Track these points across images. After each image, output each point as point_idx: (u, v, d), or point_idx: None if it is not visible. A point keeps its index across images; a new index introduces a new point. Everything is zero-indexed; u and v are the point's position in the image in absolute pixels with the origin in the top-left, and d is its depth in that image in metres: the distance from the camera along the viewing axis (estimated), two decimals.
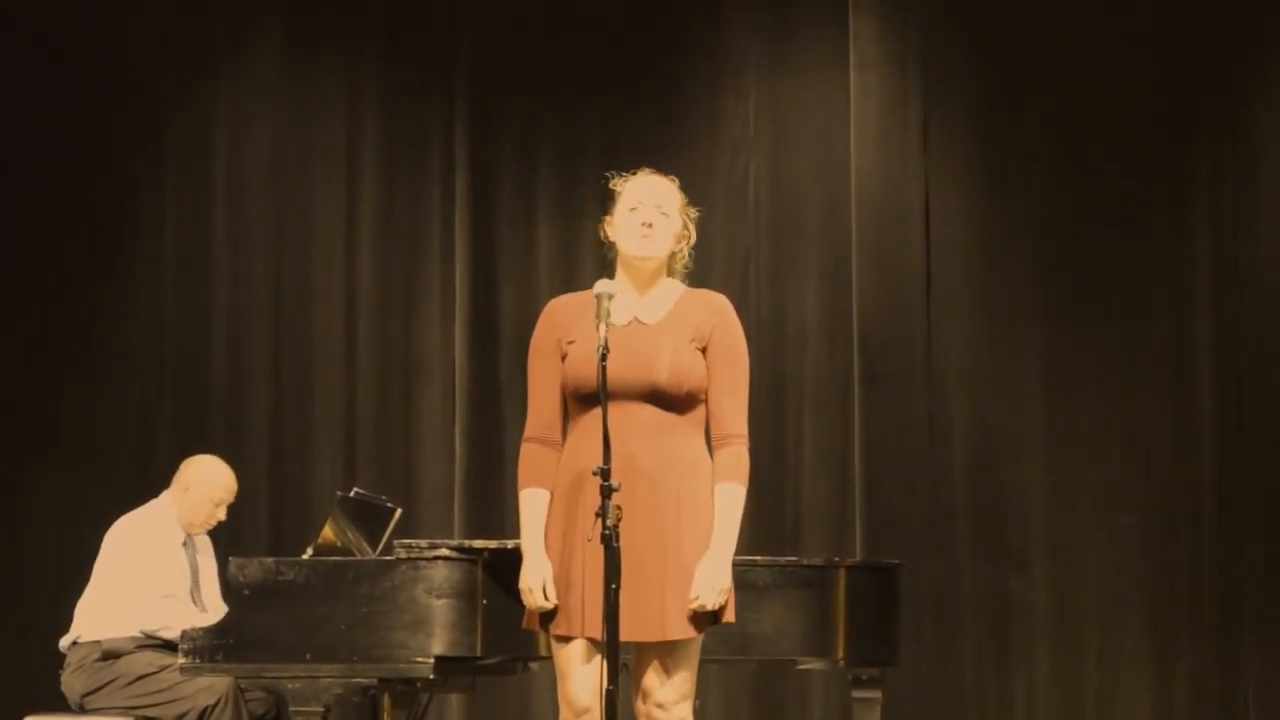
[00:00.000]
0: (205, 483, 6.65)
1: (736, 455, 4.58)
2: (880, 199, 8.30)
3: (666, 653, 4.50)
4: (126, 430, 8.30)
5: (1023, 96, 8.33)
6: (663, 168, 4.75)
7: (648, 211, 4.64)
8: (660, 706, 4.52)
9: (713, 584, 4.48)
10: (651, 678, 4.52)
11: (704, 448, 4.61)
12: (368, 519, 6.19)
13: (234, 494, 6.72)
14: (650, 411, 4.54)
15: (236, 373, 8.41)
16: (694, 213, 4.74)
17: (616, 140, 8.28)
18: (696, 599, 4.46)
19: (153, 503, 6.67)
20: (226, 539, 6.93)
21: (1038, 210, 8.27)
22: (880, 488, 8.17)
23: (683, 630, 4.48)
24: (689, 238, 4.73)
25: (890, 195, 8.32)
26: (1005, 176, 8.32)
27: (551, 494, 4.59)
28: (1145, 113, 8.28)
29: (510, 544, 5.20)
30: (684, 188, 4.73)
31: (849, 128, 8.32)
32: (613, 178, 4.74)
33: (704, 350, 4.60)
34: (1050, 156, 8.28)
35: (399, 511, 6.27)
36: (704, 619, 4.50)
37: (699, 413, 4.61)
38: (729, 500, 4.55)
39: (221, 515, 6.69)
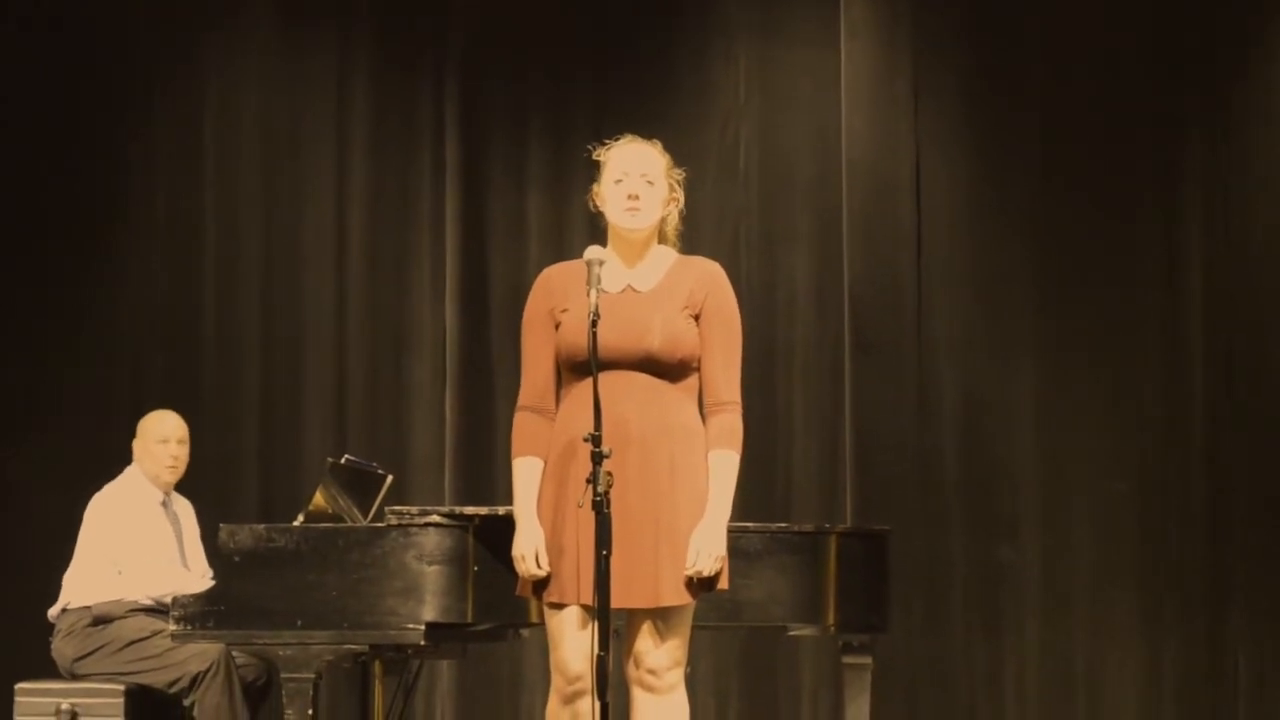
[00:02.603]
0: (146, 430, 6.67)
1: (730, 422, 4.59)
2: (871, 167, 8.28)
3: (659, 619, 4.51)
4: (117, 401, 8.27)
5: (1014, 64, 8.30)
6: (652, 135, 4.74)
7: (633, 182, 4.62)
8: (652, 673, 4.53)
9: (709, 550, 4.49)
10: (644, 643, 4.52)
11: (697, 415, 4.61)
12: (359, 486, 6.18)
13: (178, 430, 6.69)
14: (643, 379, 4.54)
15: (227, 342, 8.38)
16: (680, 174, 4.73)
17: (606, 108, 8.24)
18: (693, 565, 4.47)
19: (125, 472, 6.67)
20: (217, 506, 6.93)
21: (1028, 179, 8.25)
22: (871, 456, 8.15)
23: (677, 596, 4.49)
24: (678, 200, 4.73)
25: (881, 163, 8.29)
26: (996, 145, 8.30)
27: (545, 462, 4.59)
28: (1137, 83, 8.26)
29: (502, 510, 5.19)
30: (674, 155, 4.72)
31: (840, 95, 8.29)
32: (595, 148, 4.74)
33: (697, 318, 4.61)
34: (1041, 125, 8.25)
35: (390, 478, 6.25)
36: (698, 585, 4.51)
37: (692, 380, 4.61)
38: (723, 467, 4.56)
39: (174, 452, 6.65)
